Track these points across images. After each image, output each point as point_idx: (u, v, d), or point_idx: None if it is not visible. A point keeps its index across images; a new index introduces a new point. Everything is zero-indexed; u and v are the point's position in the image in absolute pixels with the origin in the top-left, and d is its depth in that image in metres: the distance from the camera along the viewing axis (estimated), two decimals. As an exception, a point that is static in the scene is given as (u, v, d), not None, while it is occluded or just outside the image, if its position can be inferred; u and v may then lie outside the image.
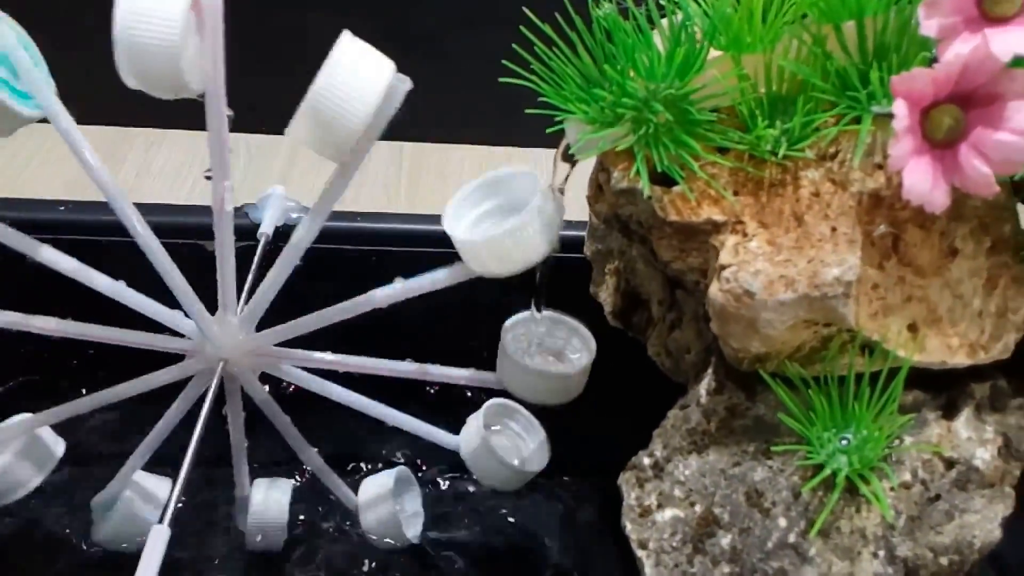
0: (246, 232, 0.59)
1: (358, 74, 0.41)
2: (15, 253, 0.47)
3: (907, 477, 0.39)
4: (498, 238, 0.42)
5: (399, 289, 0.47)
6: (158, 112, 0.90)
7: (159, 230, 0.51)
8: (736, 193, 0.40)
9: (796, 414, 0.39)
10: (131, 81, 0.40)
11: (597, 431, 0.52)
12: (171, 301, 0.48)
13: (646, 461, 0.42)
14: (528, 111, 0.41)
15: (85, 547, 0.56)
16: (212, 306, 0.50)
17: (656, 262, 0.44)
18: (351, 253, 0.65)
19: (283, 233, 0.60)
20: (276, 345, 0.50)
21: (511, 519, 0.59)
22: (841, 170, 0.39)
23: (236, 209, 0.62)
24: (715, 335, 0.41)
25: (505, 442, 0.53)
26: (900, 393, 0.39)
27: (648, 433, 0.45)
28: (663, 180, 0.41)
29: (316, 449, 0.54)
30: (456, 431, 0.54)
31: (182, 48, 0.39)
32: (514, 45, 0.41)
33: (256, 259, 0.55)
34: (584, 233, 0.53)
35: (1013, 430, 0.41)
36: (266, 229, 0.59)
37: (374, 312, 0.48)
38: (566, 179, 0.45)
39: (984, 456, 0.39)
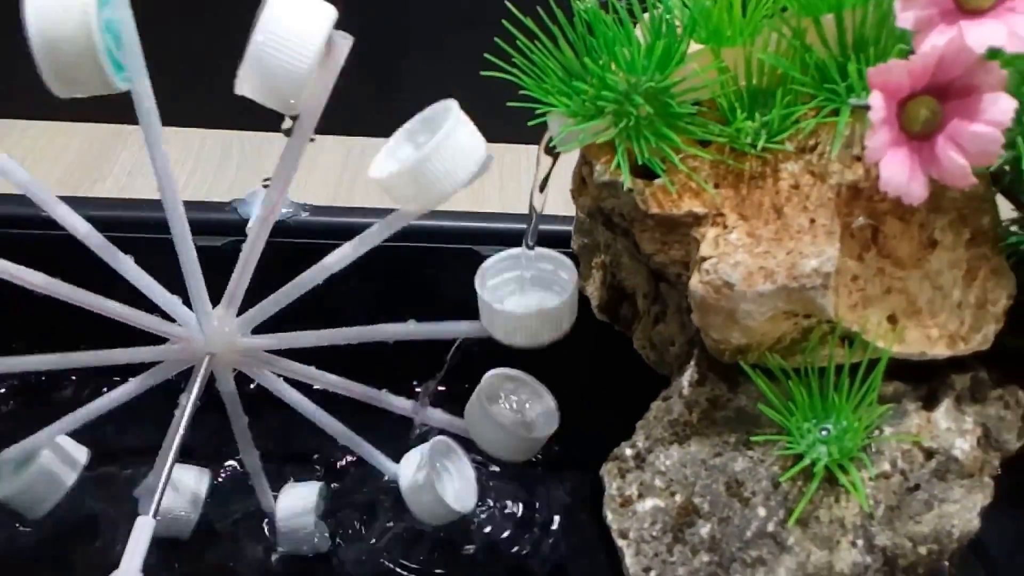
0: (235, 227, 0.59)
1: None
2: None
3: (886, 467, 0.39)
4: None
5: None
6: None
7: (152, 226, 0.51)
8: (717, 186, 0.40)
9: (776, 405, 0.40)
10: (245, 88, 0.42)
11: (584, 424, 0.52)
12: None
13: (628, 452, 0.42)
14: (510, 104, 0.41)
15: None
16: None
17: (639, 255, 0.44)
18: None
19: (272, 228, 0.60)
20: (263, 339, 0.51)
21: (500, 512, 0.59)
22: (820, 162, 0.39)
23: (224, 204, 0.63)
24: (697, 327, 0.41)
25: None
26: (880, 384, 0.39)
27: (634, 426, 0.45)
28: (645, 173, 0.41)
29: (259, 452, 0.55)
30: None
31: (308, 76, 0.40)
32: (496, 39, 0.41)
33: (243, 254, 0.55)
34: (571, 228, 0.54)
35: (993, 420, 0.41)
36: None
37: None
38: (549, 173, 0.45)
39: (963, 446, 0.40)
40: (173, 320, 0.49)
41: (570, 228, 0.54)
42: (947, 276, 0.40)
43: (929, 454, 0.40)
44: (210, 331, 0.49)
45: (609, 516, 0.40)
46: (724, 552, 0.38)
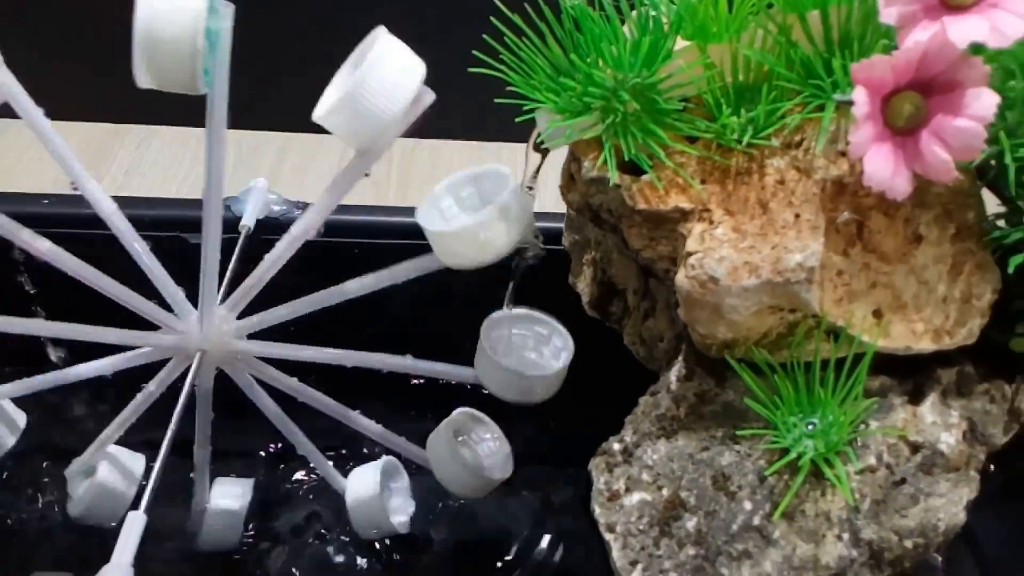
0: (228, 224, 0.59)
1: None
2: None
3: (872, 461, 0.39)
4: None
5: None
6: (149, 110, 0.91)
7: (143, 223, 0.51)
8: (703, 181, 0.40)
9: (763, 399, 0.40)
10: (331, 123, 0.43)
11: (575, 420, 0.52)
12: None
13: (616, 447, 0.42)
14: (497, 100, 0.42)
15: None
16: (192, 297, 0.50)
17: (628, 251, 0.45)
18: (339, 246, 0.65)
19: (264, 225, 0.61)
20: (254, 337, 0.51)
21: (492, 508, 0.60)
22: (806, 158, 0.39)
23: (217, 201, 0.63)
24: (685, 323, 0.41)
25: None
26: (865, 378, 0.40)
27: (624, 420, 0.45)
28: (632, 169, 0.41)
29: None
30: (437, 422, 0.54)
31: (394, 125, 0.42)
32: (485, 36, 0.42)
33: (237, 251, 0.56)
34: (563, 225, 0.54)
35: (979, 415, 0.41)
36: (247, 222, 0.59)
37: (358, 307, 0.49)
38: (538, 169, 0.45)
39: (949, 440, 0.40)
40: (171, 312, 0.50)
41: (562, 225, 0.54)
42: (932, 271, 0.40)
43: (915, 448, 0.40)
44: (209, 329, 0.49)
45: (597, 510, 0.41)
46: (710, 545, 0.39)
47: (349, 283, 0.48)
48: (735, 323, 0.39)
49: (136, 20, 0.40)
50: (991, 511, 0.60)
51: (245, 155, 0.91)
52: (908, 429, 0.40)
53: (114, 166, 0.87)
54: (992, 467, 0.61)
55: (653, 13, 0.40)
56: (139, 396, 0.51)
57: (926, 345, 0.40)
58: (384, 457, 0.56)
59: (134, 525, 0.41)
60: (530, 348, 0.53)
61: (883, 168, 0.36)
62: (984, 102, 0.35)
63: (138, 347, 0.50)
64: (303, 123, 0.98)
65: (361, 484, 0.55)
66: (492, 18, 0.42)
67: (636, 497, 0.40)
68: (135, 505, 0.42)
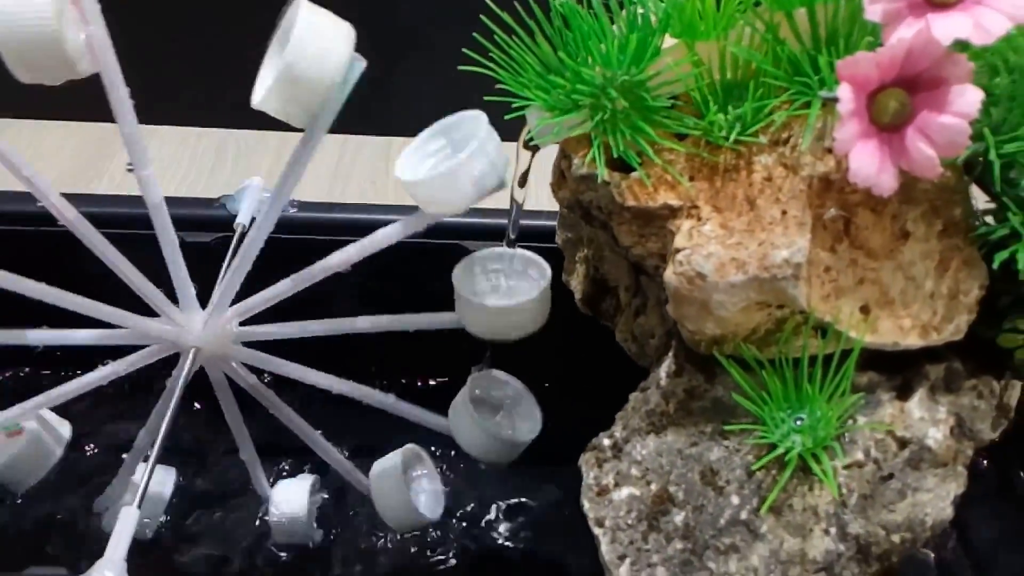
0: (223, 223, 0.60)
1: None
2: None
3: (860, 456, 0.40)
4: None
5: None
6: (147, 109, 0.91)
7: (135, 221, 0.52)
8: (692, 178, 0.41)
9: (751, 395, 0.40)
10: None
11: (568, 416, 0.53)
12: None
13: (606, 442, 0.43)
14: (487, 98, 0.42)
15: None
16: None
17: (619, 248, 0.45)
18: (337, 245, 0.66)
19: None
20: (251, 345, 0.52)
21: (488, 505, 0.60)
22: (793, 155, 0.40)
23: (213, 201, 0.63)
24: (675, 319, 0.42)
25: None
26: (853, 374, 0.40)
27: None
28: (622, 167, 0.42)
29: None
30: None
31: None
32: (475, 34, 0.42)
33: (231, 249, 0.56)
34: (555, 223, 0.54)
35: (966, 410, 0.41)
36: (243, 220, 0.60)
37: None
38: (528, 166, 0.46)
39: (936, 436, 0.40)
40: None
41: (555, 223, 0.54)
42: (919, 267, 0.40)
43: (903, 443, 0.40)
44: (197, 325, 0.49)
45: (586, 505, 0.41)
46: (698, 540, 0.39)
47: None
48: (723, 319, 0.39)
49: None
50: (985, 508, 0.61)
51: (242, 153, 0.91)
52: (896, 424, 0.40)
53: (114, 165, 0.88)
54: (986, 464, 0.62)
55: (641, 11, 0.40)
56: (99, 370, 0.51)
57: (913, 341, 0.40)
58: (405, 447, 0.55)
59: (127, 521, 0.41)
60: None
61: (868, 164, 0.36)
62: (968, 99, 0.35)
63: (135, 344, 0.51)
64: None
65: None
66: (483, 16, 0.42)
67: (625, 492, 0.41)
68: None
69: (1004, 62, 0.38)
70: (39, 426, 0.54)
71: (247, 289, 0.51)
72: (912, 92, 0.36)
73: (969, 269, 0.40)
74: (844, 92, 0.35)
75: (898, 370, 0.42)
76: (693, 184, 0.40)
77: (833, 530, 0.39)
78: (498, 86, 0.42)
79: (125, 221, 0.60)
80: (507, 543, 0.58)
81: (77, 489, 0.59)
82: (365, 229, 0.65)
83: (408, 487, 0.53)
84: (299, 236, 0.63)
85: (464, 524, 0.59)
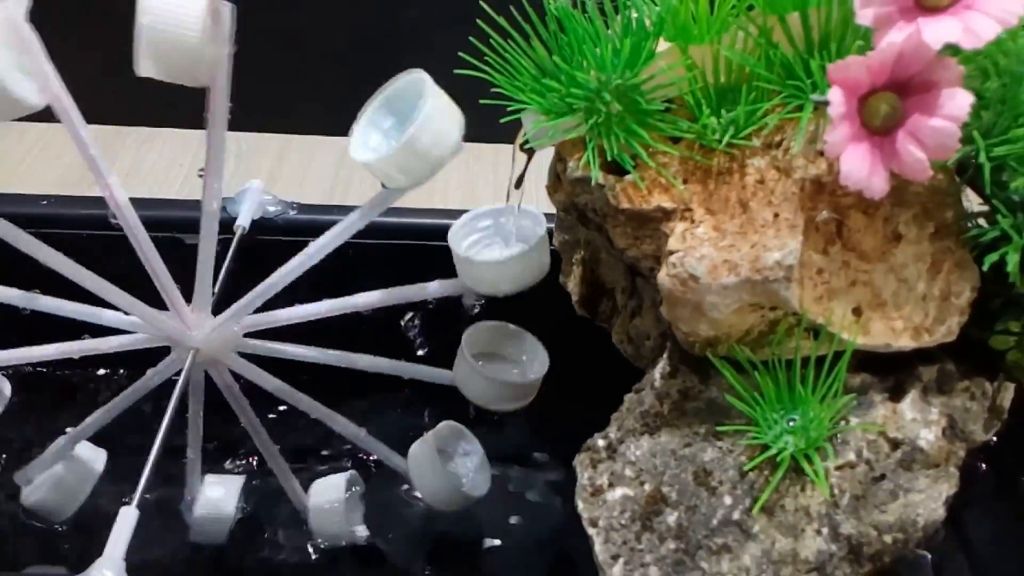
0: (223, 225, 0.60)
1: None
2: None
3: (852, 457, 0.40)
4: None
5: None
6: (150, 111, 0.92)
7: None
8: (685, 181, 0.41)
9: (745, 396, 0.40)
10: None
11: (564, 417, 0.53)
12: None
13: (600, 443, 0.43)
14: (483, 101, 0.42)
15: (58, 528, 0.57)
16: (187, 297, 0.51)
17: (614, 250, 0.45)
18: (340, 247, 0.66)
19: (259, 226, 0.61)
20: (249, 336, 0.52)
21: (486, 504, 0.60)
22: (785, 158, 0.40)
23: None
24: (668, 320, 0.42)
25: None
26: (846, 375, 0.40)
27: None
28: (617, 169, 0.42)
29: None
30: (429, 425, 0.55)
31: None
32: (471, 38, 0.42)
33: (231, 251, 0.57)
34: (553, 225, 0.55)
35: (959, 412, 0.42)
36: (243, 222, 0.60)
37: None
38: (524, 169, 0.46)
39: (928, 437, 0.40)
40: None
41: (552, 226, 0.55)
42: (912, 269, 0.40)
43: (895, 444, 0.40)
44: (190, 325, 0.50)
45: (580, 505, 0.41)
46: (691, 540, 0.39)
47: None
48: (716, 320, 0.40)
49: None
50: (982, 511, 0.61)
51: (244, 157, 0.92)
52: (888, 425, 0.40)
53: (115, 167, 0.88)
54: (983, 466, 0.62)
55: (635, 15, 0.41)
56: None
57: (905, 343, 0.40)
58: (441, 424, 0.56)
59: (126, 520, 0.42)
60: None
61: (859, 167, 0.36)
62: (958, 102, 0.35)
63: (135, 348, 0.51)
64: (302, 125, 0.99)
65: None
66: (479, 20, 0.42)
67: (619, 492, 0.41)
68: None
69: (994, 66, 0.38)
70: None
71: (247, 292, 0.51)
72: (903, 96, 0.36)
73: (961, 271, 0.41)
74: (835, 96, 0.36)
75: (891, 372, 0.42)
76: (687, 187, 0.41)
77: (825, 530, 0.39)
78: (494, 89, 0.43)
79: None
80: (502, 542, 0.59)
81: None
82: (365, 230, 0.66)
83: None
84: (300, 239, 0.63)
85: (458, 523, 0.60)
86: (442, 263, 0.63)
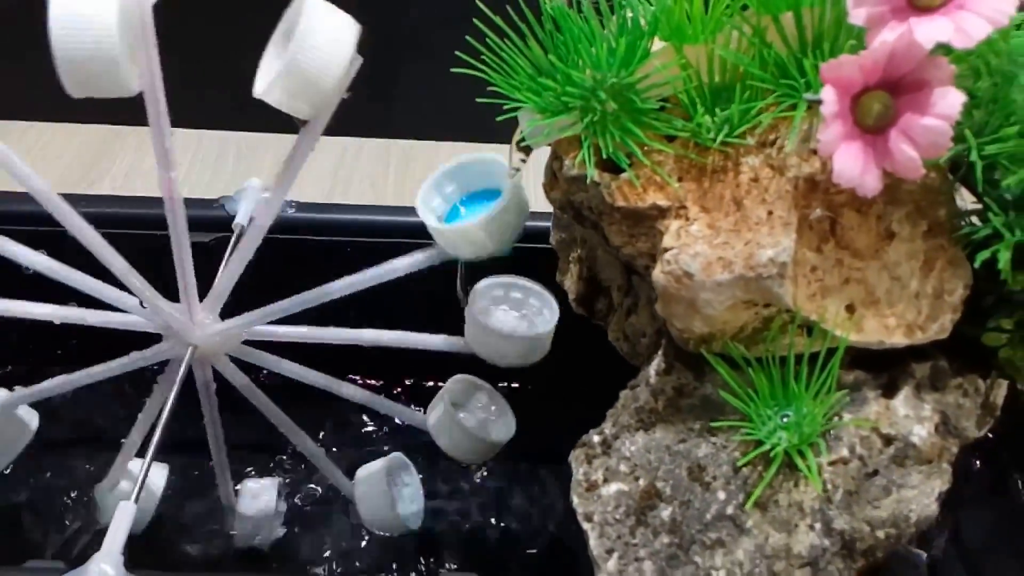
0: (222, 223, 0.61)
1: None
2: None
3: (845, 453, 0.40)
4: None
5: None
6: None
7: (134, 221, 0.53)
8: (680, 179, 0.41)
9: (739, 393, 0.41)
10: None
11: (561, 415, 0.53)
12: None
13: (595, 439, 0.43)
14: (479, 100, 0.43)
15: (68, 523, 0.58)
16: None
17: (610, 248, 0.46)
18: (332, 246, 0.67)
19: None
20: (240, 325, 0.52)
21: (480, 500, 0.61)
22: (779, 156, 0.40)
23: (212, 201, 0.64)
24: (663, 317, 0.42)
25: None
26: (840, 372, 0.40)
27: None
28: (613, 168, 0.42)
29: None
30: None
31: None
32: (467, 37, 0.43)
33: (229, 249, 0.57)
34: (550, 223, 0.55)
35: (951, 408, 0.42)
36: (241, 220, 0.60)
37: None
38: (520, 167, 0.46)
39: (921, 433, 0.41)
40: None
41: (549, 224, 0.55)
42: (905, 267, 0.41)
43: (888, 440, 0.41)
44: (179, 323, 0.50)
45: (575, 500, 0.42)
46: (684, 534, 0.40)
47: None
48: (710, 317, 0.40)
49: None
50: (977, 509, 0.61)
51: (244, 155, 0.92)
52: (881, 422, 0.41)
53: (115, 167, 0.89)
54: (978, 464, 0.63)
55: (631, 14, 0.41)
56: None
57: (898, 340, 0.41)
58: (392, 455, 0.57)
59: (124, 515, 0.42)
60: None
61: (852, 166, 0.37)
62: (950, 101, 0.35)
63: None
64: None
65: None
66: (476, 20, 0.43)
67: (613, 487, 0.41)
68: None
69: (986, 65, 0.38)
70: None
71: (247, 290, 0.51)
72: (895, 95, 0.37)
73: (954, 269, 0.41)
74: (828, 94, 0.36)
75: (884, 369, 0.42)
76: (681, 185, 0.41)
77: (818, 525, 0.39)
78: (490, 88, 0.43)
79: (126, 221, 0.61)
80: (497, 538, 0.59)
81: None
82: (364, 230, 0.66)
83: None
84: (298, 237, 0.64)
85: (456, 520, 0.60)
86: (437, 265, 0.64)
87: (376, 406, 0.56)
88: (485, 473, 0.61)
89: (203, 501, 0.60)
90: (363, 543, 0.59)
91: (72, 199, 0.62)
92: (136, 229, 0.55)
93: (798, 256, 0.39)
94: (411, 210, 0.67)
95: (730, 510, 0.40)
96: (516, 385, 0.64)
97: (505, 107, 0.42)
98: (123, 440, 0.54)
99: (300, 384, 0.54)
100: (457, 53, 0.43)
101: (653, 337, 0.47)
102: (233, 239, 0.59)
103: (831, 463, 0.40)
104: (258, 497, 0.57)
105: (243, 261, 0.49)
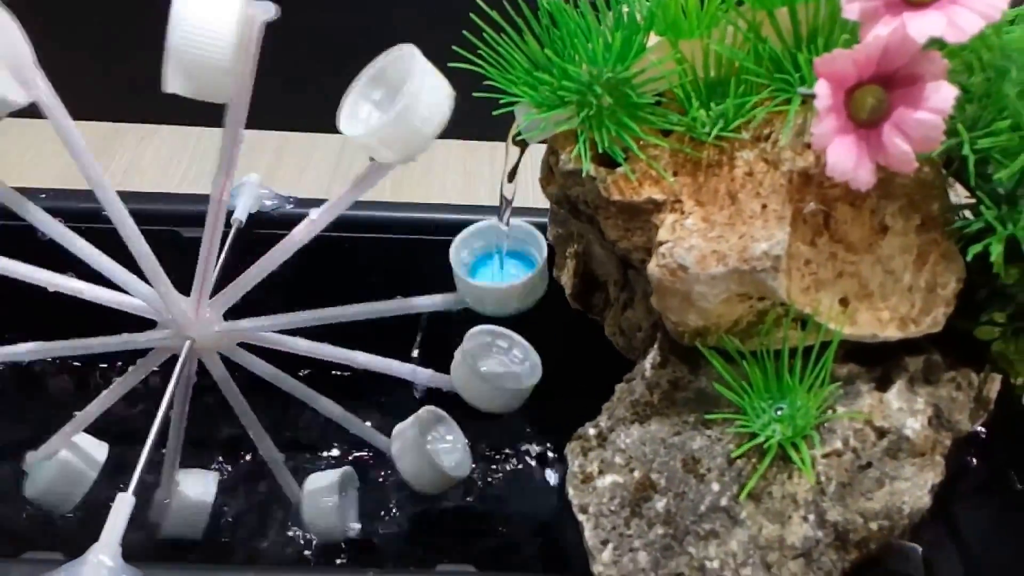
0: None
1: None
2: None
3: (839, 445, 0.40)
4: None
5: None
6: (149, 108, 0.92)
7: (138, 216, 0.53)
8: (675, 173, 0.42)
9: (733, 386, 0.41)
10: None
11: (557, 409, 0.54)
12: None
13: (591, 432, 0.43)
14: (476, 95, 0.43)
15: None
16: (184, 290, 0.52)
17: (606, 242, 0.46)
18: (330, 240, 0.67)
19: (256, 219, 0.62)
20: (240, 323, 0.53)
21: (484, 493, 0.61)
22: (774, 150, 0.40)
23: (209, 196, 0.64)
24: (658, 310, 0.42)
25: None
26: (834, 366, 0.41)
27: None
28: (608, 162, 0.43)
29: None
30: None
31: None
32: (464, 32, 0.43)
33: (227, 244, 0.57)
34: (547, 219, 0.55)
35: (944, 401, 0.42)
36: (239, 215, 0.61)
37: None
38: (517, 162, 0.46)
39: (914, 426, 0.41)
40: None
41: (546, 220, 0.55)
42: (898, 260, 0.41)
43: (881, 433, 0.41)
44: (184, 316, 0.50)
45: (571, 492, 0.42)
46: (679, 525, 0.40)
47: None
48: (705, 310, 0.40)
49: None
50: (974, 504, 0.61)
51: (243, 153, 0.92)
52: (874, 414, 0.41)
53: (114, 163, 0.89)
54: (974, 460, 0.63)
55: (627, 9, 0.41)
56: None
57: (892, 333, 0.41)
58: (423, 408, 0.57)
59: (122, 506, 0.42)
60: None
61: (846, 159, 0.37)
62: (943, 95, 0.36)
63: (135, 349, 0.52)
64: (301, 123, 1.00)
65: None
66: (472, 15, 0.43)
67: (608, 479, 0.41)
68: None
69: (979, 60, 0.39)
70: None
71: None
72: (889, 89, 0.37)
73: (947, 263, 0.41)
74: (821, 88, 0.36)
75: (877, 362, 0.43)
76: (676, 179, 0.41)
77: (811, 517, 0.39)
78: (487, 82, 0.43)
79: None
80: (495, 530, 0.59)
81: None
82: (361, 225, 0.67)
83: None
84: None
85: (453, 513, 0.60)
86: (439, 256, 0.64)
87: (347, 425, 0.56)
88: (482, 468, 0.61)
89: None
90: (361, 537, 0.59)
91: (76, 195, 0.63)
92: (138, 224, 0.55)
93: (792, 249, 0.39)
94: (411, 206, 0.67)
95: (724, 501, 0.40)
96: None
97: (502, 101, 0.43)
98: (126, 433, 0.55)
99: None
100: (454, 48, 0.43)
101: (649, 331, 0.47)
102: (232, 234, 0.59)
103: (825, 455, 0.40)
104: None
105: (265, 270, 0.50)
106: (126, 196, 0.66)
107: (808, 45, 0.40)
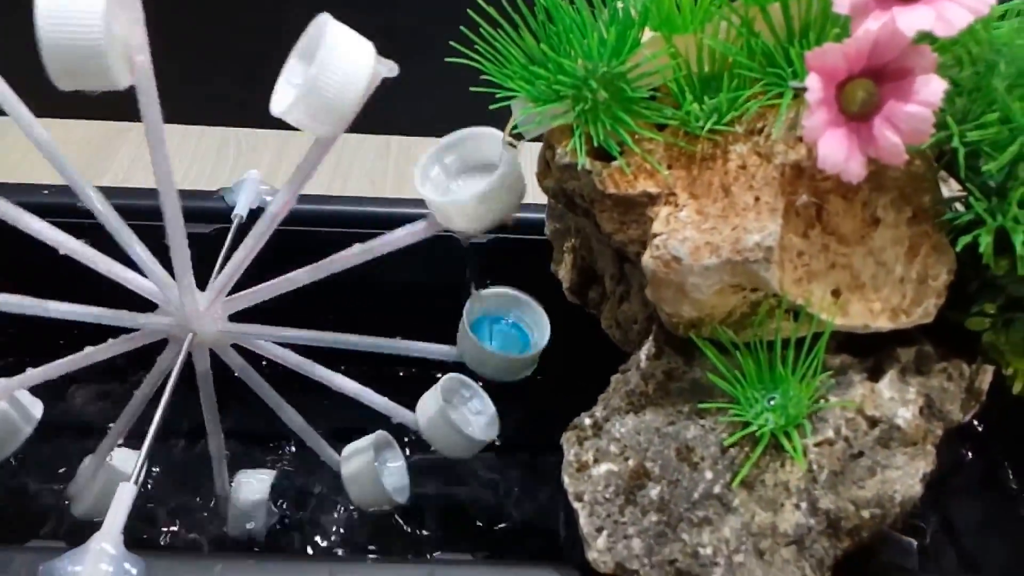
0: (222, 214, 0.62)
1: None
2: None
3: (831, 434, 0.41)
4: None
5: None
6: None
7: (139, 212, 0.53)
8: (670, 167, 0.42)
9: (727, 376, 0.42)
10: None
11: (555, 401, 0.54)
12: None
13: (587, 421, 0.44)
14: (473, 89, 0.43)
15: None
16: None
17: (602, 236, 0.46)
18: (331, 236, 0.67)
19: (257, 215, 0.62)
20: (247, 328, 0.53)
21: (483, 486, 0.62)
22: (767, 144, 0.41)
23: (212, 193, 0.65)
24: (653, 302, 0.43)
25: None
26: (826, 356, 0.41)
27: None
28: (604, 156, 0.43)
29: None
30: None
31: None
32: (462, 28, 0.43)
33: (229, 239, 0.58)
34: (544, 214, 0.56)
35: (936, 391, 0.43)
36: (240, 211, 0.61)
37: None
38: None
39: (906, 415, 0.41)
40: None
41: (543, 215, 0.56)
42: (890, 252, 0.42)
43: (873, 422, 0.41)
44: (196, 310, 0.51)
45: (566, 480, 0.42)
46: (672, 512, 0.40)
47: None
48: (699, 302, 0.41)
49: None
50: (968, 498, 0.62)
51: (245, 152, 0.93)
52: (866, 404, 0.41)
53: (116, 162, 0.90)
54: (969, 454, 0.63)
55: (621, 5, 0.42)
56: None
57: (883, 324, 0.42)
58: (377, 432, 0.58)
59: (124, 495, 0.43)
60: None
61: (837, 152, 0.37)
62: (933, 88, 0.36)
63: (129, 326, 0.52)
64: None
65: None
66: (469, 11, 0.43)
67: (603, 468, 0.42)
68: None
69: (968, 54, 0.39)
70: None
71: (245, 280, 0.52)
72: (879, 82, 0.37)
73: (938, 254, 0.42)
74: (812, 82, 0.37)
75: (869, 353, 0.43)
76: (671, 172, 0.42)
77: (804, 504, 0.40)
78: (483, 77, 0.44)
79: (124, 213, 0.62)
80: (488, 520, 0.60)
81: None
82: (362, 222, 0.67)
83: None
84: (296, 228, 0.64)
85: (449, 503, 0.61)
86: (434, 249, 0.65)
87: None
88: (478, 458, 0.62)
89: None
90: (356, 527, 0.60)
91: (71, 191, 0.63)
92: (138, 220, 0.56)
93: (784, 241, 0.40)
94: (409, 202, 0.68)
95: (717, 489, 0.40)
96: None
97: (498, 95, 0.43)
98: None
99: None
100: (451, 43, 0.44)
101: (644, 324, 0.48)
102: (233, 229, 0.59)
103: (817, 444, 0.41)
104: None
105: (248, 256, 0.50)
106: (125, 192, 0.67)
107: (800, 40, 0.41)
